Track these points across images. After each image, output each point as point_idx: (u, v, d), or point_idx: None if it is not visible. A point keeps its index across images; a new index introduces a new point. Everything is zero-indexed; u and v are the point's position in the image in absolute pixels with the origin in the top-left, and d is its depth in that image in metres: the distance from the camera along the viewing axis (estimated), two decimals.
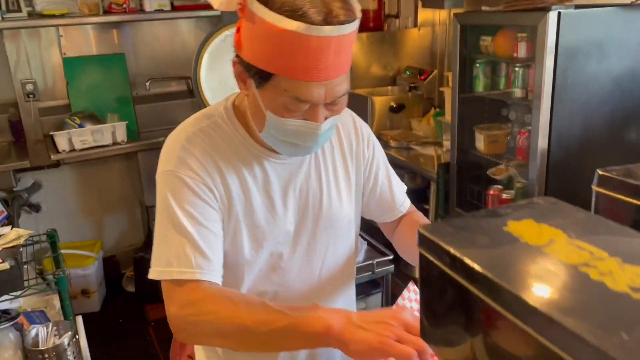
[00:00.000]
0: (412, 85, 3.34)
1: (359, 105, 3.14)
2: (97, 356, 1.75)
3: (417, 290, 1.20)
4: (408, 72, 3.44)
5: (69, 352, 1.73)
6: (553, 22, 1.94)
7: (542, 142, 2.10)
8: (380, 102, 3.16)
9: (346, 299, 1.23)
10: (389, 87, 3.46)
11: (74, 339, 1.80)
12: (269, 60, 0.87)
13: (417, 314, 1.07)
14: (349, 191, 1.17)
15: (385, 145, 2.97)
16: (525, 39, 2.10)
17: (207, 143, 1.01)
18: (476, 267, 0.51)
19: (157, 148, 3.03)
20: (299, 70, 0.85)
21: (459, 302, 0.54)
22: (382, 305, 2.36)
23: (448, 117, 2.71)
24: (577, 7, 1.96)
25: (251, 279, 1.08)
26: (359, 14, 0.88)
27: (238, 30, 0.92)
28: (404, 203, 1.27)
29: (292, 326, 0.85)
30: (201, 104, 2.67)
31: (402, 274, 2.77)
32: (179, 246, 0.95)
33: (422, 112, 3.33)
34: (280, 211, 1.07)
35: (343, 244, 1.18)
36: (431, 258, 0.57)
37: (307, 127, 0.93)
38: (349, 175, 1.16)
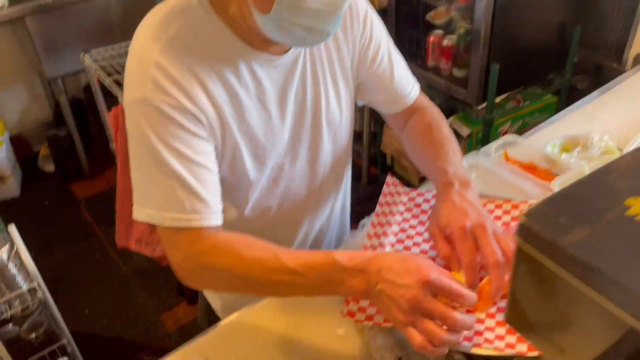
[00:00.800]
0: None
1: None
2: (31, 245, 1.62)
3: (397, 182, 1.15)
4: None
5: (10, 267, 1.60)
6: None
7: None
8: None
9: (345, 195, 1.20)
10: None
11: (13, 252, 1.65)
12: None
13: (406, 212, 1.06)
14: (347, 88, 1.03)
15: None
16: None
17: (185, 54, 0.81)
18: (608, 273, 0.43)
19: (46, 11, 2.56)
20: None
21: (567, 303, 0.47)
22: None
23: None
24: None
25: (255, 198, 0.99)
26: None
27: None
28: (412, 91, 1.12)
29: (310, 291, 0.81)
30: None
31: None
32: (168, 189, 0.81)
33: None
34: (277, 121, 0.95)
35: (341, 144, 1.09)
36: (539, 256, 0.48)
37: (330, 4, 0.75)
38: (346, 69, 1.01)
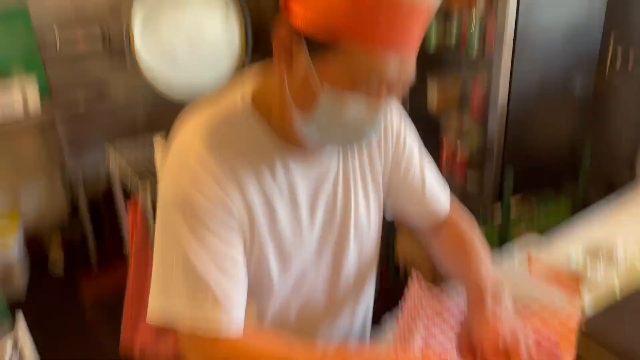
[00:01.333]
0: None
1: None
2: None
3: (422, 279, 1.13)
4: None
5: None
6: None
7: (502, 97, 2.09)
8: None
9: (367, 304, 1.15)
10: None
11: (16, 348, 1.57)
12: (338, 22, 0.70)
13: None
14: (377, 199, 1.03)
15: None
16: None
17: (227, 149, 0.83)
18: None
19: (76, 116, 2.70)
20: (380, 36, 0.70)
21: None
22: None
23: None
24: None
25: (277, 302, 0.96)
26: None
27: None
28: (444, 205, 1.11)
29: None
30: (134, 65, 2.38)
31: None
32: (192, 289, 0.80)
33: None
34: (306, 223, 0.93)
35: (368, 252, 1.06)
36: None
37: (369, 109, 0.77)
38: (377, 179, 1.02)
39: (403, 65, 0.74)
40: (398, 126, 1.02)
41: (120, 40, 2.68)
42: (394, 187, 1.05)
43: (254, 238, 0.87)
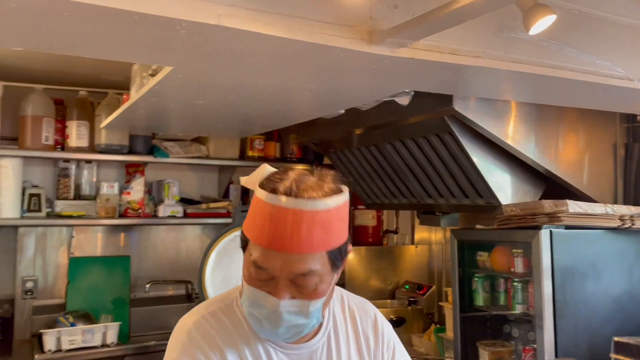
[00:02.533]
0: (412, 299, 3.34)
1: None
2: None
3: None
4: (407, 287, 3.47)
5: None
6: (546, 240, 2.04)
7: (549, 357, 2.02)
8: None
9: None
10: (388, 301, 3.46)
11: None
12: (247, 227, 0.97)
13: None
14: None
15: None
16: (521, 254, 2.17)
17: (215, 329, 1.02)
18: None
19: (146, 352, 2.89)
20: (259, 236, 0.93)
21: None
22: None
23: (450, 333, 2.66)
24: (567, 227, 2.08)
25: None
26: (333, 201, 0.94)
27: None
28: None
29: None
30: None
31: None
32: None
33: (422, 328, 3.26)
34: None
35: None
36: None
37: (267, 300, 0.95)
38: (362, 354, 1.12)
39: (287, 262, 0.92)
40: (389, 339, 1.16)
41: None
42: None
43: None
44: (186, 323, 1.04)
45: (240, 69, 1.64)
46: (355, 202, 3.73)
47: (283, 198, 0.90)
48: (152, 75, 1.87)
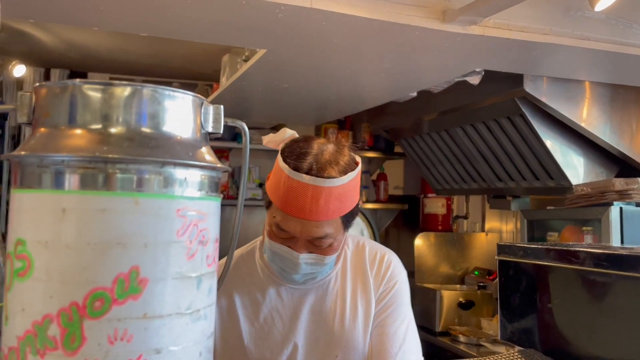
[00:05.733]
0: (481, 284, 3.40)
1: (426, 298, 3.21)
2: None
3: None
4: (477, 272, 3.54)
5: None
6: (616, 216, 2.08)
7: None
8: (448, 296, 3.21)
9: None
10: (457, 285, 3.53)
11: None
12: (271, 190, 1.11)
13: None
14: (367, 322, 1.21)
15: (454, 340, 2.95)
16: (591, 232, 2.22)
17: (233, 275, 1.22)
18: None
19: None
20: (282, 202, 1.07)
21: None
22: None
23: None
24: (638, 205, 2.11)
25: None
26: (349, 176, 1.07)
27: None
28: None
29: None
30: None
31: None
32: None
33: (492, 313, 3.31)
34: (287, 334, 1.19)
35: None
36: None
37: (286, 252, 1.11)
38: (370, 311, 1.22)
39: (305, 226, 1.07)
40: (394, 283, 1.24)
41: None
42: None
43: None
44: None
45: (325, 51, 1.83)
46: (425, 189, 3.83)
47: (306, 177, 1.04)
48: (245, 60, 2.09)
